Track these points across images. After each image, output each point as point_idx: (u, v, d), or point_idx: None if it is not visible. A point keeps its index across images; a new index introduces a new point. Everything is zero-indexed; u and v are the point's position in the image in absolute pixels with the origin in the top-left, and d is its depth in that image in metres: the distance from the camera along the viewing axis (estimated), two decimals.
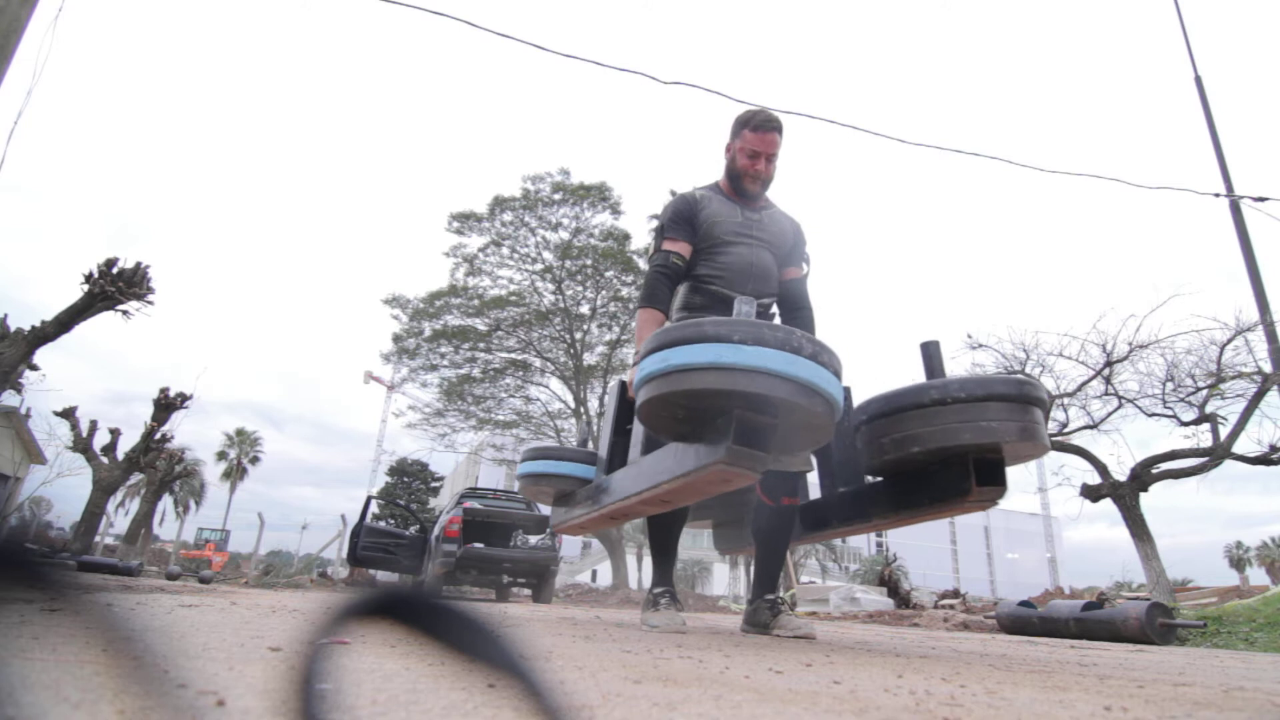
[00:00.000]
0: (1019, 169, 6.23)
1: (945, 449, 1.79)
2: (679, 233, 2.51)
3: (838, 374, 1.65)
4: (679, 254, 2.49)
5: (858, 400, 2.12)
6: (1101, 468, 6.89)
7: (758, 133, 2.48)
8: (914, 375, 2.09)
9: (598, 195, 16.21)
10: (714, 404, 1.67)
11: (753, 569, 2.73)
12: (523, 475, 2.74)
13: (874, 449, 1.94)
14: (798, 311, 2.66)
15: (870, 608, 7.34)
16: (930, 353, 1.99)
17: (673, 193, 19.89)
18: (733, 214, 2.54)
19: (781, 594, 2.46)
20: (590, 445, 2.84)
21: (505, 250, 16.47)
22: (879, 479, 2.10)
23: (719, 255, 2.54)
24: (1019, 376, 1.80)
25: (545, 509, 9.26)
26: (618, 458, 2.39)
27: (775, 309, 2.68)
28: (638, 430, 2.21)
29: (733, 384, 1.55)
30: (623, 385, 2.51)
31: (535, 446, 2.81)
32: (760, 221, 2.57)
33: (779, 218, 2.64)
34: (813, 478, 2.42)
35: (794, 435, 1.84)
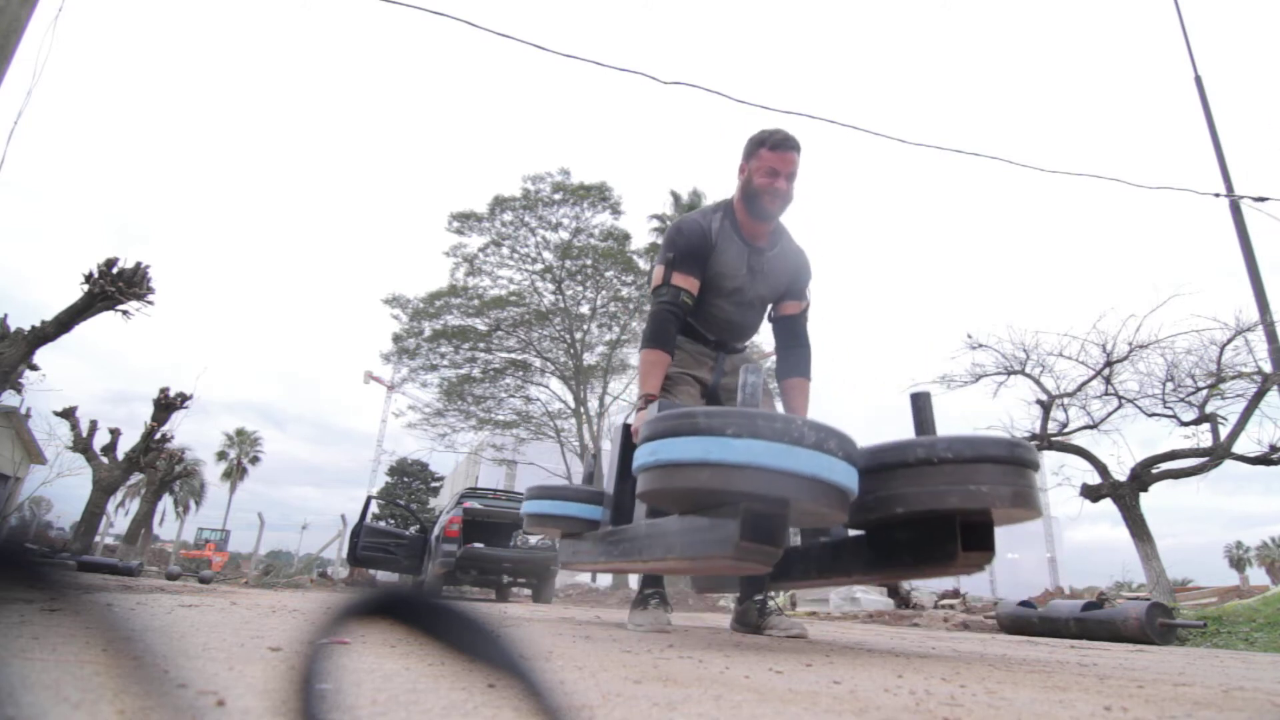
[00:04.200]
0: (1019, 169, 6.24)
1: (931, 511, 1.69)
2: (691, 269, 2.37)
3: (848, 458, 1.52)
4: (689, 292, 2.36)
5: None
6: (1101, 468, 6.89)
7: (776, 151, 2.31)
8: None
9: (598, 195, 16.22)
10: (713, 498, 1.56)
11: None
12: (528, 515, 2.70)
13: (856, 505, 1.82)
14: (794, 350, 2.57)
15: (870, 607, 7.33)
16: (920, 405, 1.87)
17: (674, 194, 19.94)
18: (740, 261, 2.42)
19: (773, 594, 2.43)
20: (595, 481, 2.80)
21: (505, 250, 16.48)
22: (860, 533, 1.99)
23: (710, 307, 2.48)
24: (1010, 438, 1.71)
25: None
26: (624, 504, 2.32)
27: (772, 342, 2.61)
28: None
29: (726, 482, 1.43)
30: (627, 429, 2.40)
31: (540, 485, 2.74)
32: (764, 266, 2.46)
33: (784, 256, 2.51)
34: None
35: (804, 519, 1.75)
